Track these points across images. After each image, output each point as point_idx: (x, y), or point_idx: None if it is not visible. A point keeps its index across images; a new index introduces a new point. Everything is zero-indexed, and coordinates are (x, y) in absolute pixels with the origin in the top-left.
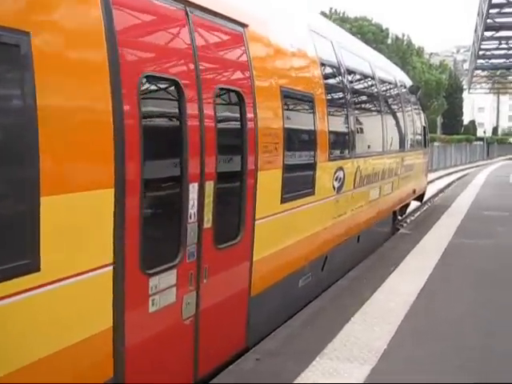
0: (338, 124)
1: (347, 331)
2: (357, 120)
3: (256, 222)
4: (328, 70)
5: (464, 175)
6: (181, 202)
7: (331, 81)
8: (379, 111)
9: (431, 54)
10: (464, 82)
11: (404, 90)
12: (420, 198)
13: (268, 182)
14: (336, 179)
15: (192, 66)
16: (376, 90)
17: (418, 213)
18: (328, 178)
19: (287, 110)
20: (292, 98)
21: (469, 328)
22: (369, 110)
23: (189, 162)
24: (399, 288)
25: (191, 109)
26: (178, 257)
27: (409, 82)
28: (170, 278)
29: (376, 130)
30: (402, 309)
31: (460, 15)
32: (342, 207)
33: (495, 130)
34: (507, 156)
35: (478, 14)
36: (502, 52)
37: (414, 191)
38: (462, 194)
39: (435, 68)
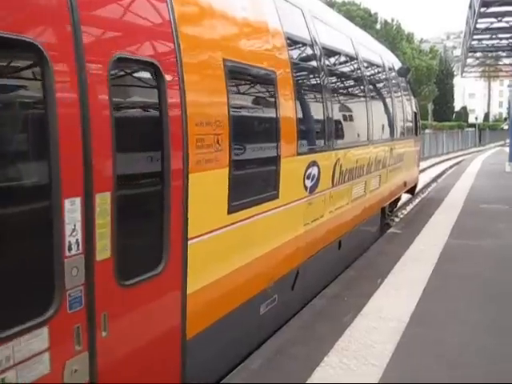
0: (310, 110)
1: (318, 379)
2: (335, 105)
3: (190, 242)
4: (297, 45)
5: (457, 163)
6: (50, 228)
7: (301, 58)
8: (363, 95)
9: (421, 39)
10: (455, 68)
11: (392, 72)
12: (411, 190)
13: (207, 186)
14: (308, 177)
15: (67, 26)
16: (359, 70)
17: (410, 206)
18: (297, 175)
19: (235, 90)
20: (243, 76)
21: (477, 371)
22: (351, 93)
23: (61, 165)
24: (387, 310)
25: (64, 87)
26: (52, 307)
27: (398, 64)
28: (36, 340)
29: (360, 116)
30: (389, 341)
31: (450, 1)
32: (317, 210)
33: (486, 116)
34: (499, 142)
35: None
36: (498, 31)
37: (405, 184)
38: (456, 185)
39: (425, 54)
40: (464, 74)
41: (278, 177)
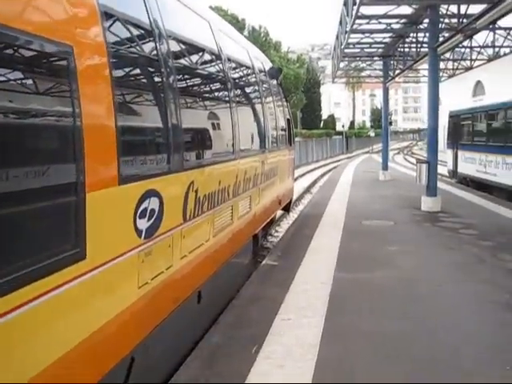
0: (143, 113)
1: None
2: (186, 109)
3: None
4: (119, 19)
5: (328, 171)
6: None
7: (129, 38)
8: (226, 97)
9: (288, 49)
10: (321, 78)
11: (262, 73)
12: (286, 206)
13: None
14: (143, 215)
15: None
16: (221, 64)
17: (286, 226)
18: (121, 215)
19: None
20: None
21: None
22: (209, 94)
23: None
24: None
25: None
26: None
27: (268, 63)
28: None
29: (223, 124)
30: None
31: (314, 14)
32: (160, 260)
33: (352, 124)
34: (365, 149)
35: None
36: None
37: (280, 202)
38: (333, 198)
39: (293, 63)
40: (336, 80)
41: (83, 223)
